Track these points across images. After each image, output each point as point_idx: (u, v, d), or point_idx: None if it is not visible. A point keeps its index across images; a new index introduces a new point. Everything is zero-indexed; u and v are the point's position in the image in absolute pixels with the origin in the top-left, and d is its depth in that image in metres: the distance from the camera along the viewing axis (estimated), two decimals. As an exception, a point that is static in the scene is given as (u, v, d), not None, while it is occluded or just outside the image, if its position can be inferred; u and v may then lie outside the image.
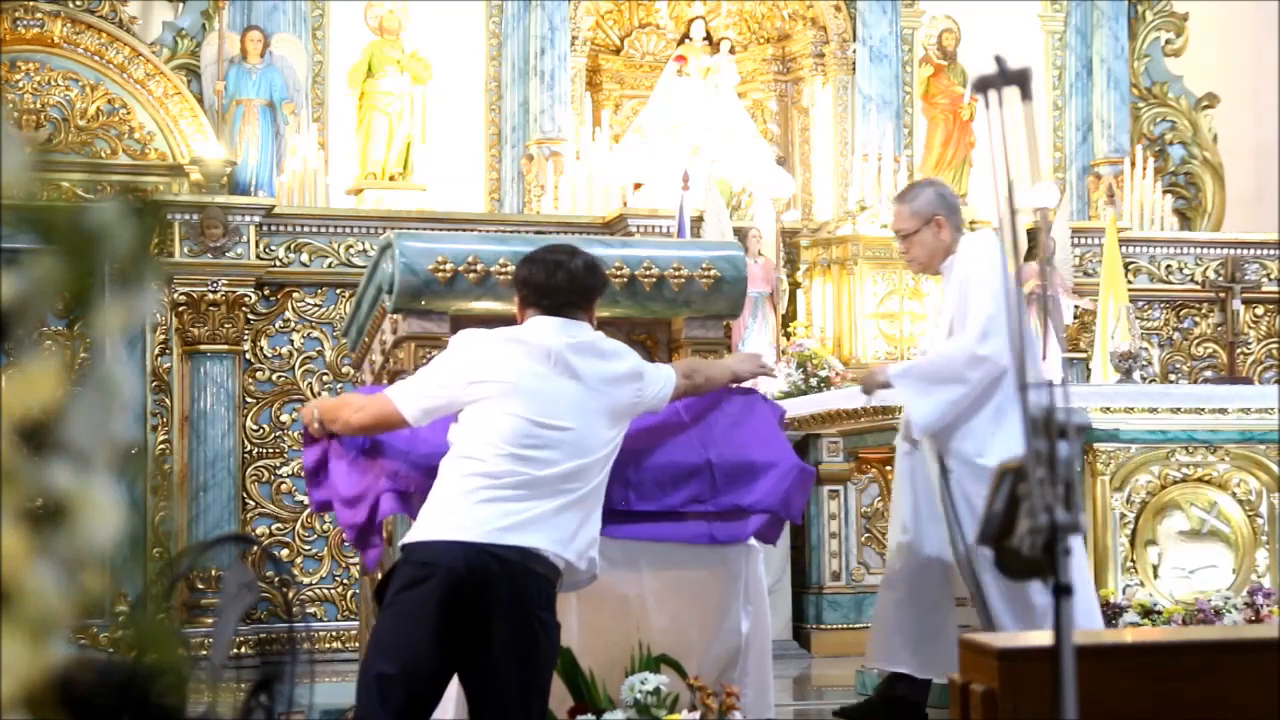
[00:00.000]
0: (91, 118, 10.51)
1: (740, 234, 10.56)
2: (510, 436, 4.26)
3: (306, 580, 10.05)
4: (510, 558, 4.10)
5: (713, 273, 5.39)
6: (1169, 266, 12.15)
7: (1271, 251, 12.21)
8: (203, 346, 9.94)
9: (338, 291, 10.22)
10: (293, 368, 10.21)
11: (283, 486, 10.15)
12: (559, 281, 4.50)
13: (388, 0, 11.40)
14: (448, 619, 4.04)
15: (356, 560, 9.04)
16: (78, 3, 10.61)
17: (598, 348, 4.52)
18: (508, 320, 5.42)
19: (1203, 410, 7.75)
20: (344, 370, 10.02)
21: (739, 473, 4.82)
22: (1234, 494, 7.83)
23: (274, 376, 10.17)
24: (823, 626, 9.93)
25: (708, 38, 12.59)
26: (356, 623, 7.23)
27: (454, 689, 4.45)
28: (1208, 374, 12.04)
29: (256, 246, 10.06)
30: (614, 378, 4.47)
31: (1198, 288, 12.14)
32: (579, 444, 4.33)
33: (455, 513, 4.16)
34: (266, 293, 10.20)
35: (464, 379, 4.35)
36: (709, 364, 5.08)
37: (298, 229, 10.27)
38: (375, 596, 4.26)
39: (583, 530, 4.30)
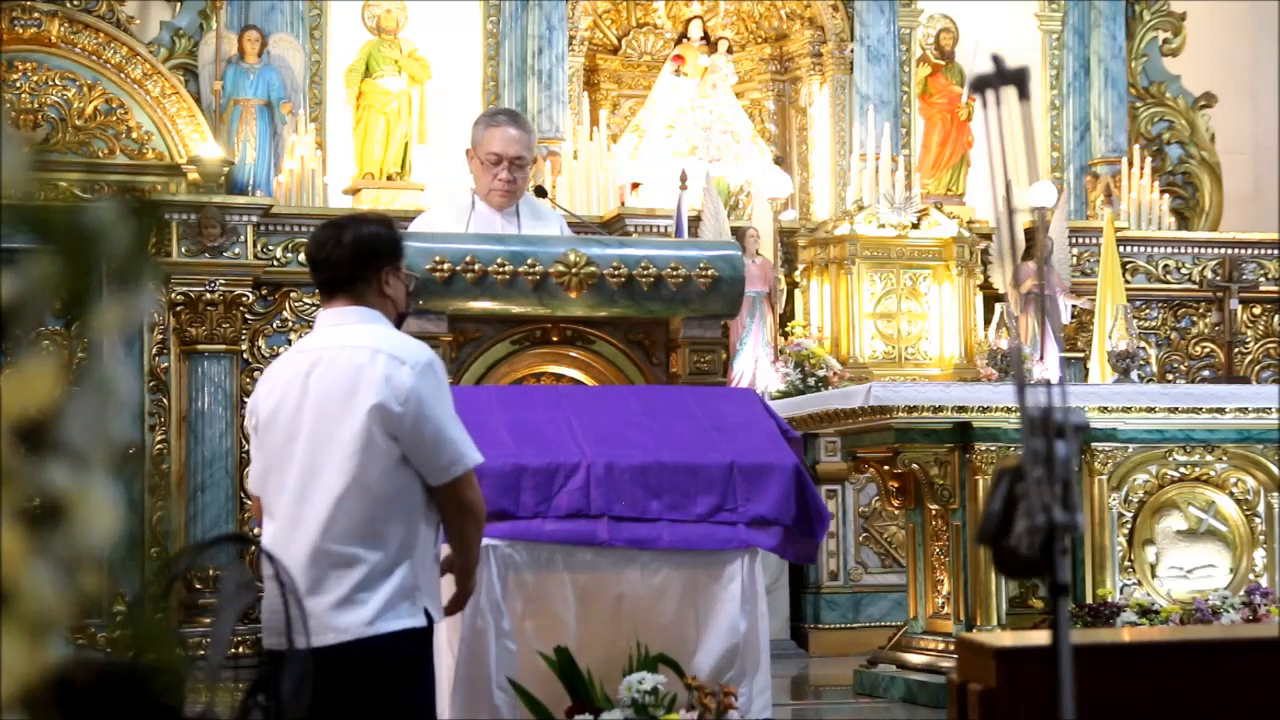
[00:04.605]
0: (89, 117, 10.51)
1: (738, 233, 10.56)
2: (263, 491, 3.76)
3: (304, 580, 10.04)
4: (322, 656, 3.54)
5: (710, 272, 5.39)
6: (1166, 266, 12.15)
7: (1269, 251, 12.21)
8: (200, 346, 9.94)
9: (335, 291, 10.21)
10: (290, 367, 10.21)
11: (280, 486, 10.14)
12: (344, 245, 3.82)
13: (385, 0, 11.40)
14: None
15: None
16: (75, 2, 10.60)
17: (344, 351, 3.71)
18: (505, 320, 5.43)
19: (1200, 410, 7.75)
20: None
21: (757, 475, 4.81)
22: (1231, 493, 7.83)
23: (272, 376, 10.16)
24: (820, 626, 9.94)
25: (705, 37, 12.59)
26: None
27: (444, 684, 4.45)
28: (1205, 373, 12.05)
29: (254, 246, 10.06)
30: (348, 394, 3.66)
31: (1195, 287, 12.15)
32: (315, 491, 3.66)
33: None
34: (264, 292, 10.20)
35: (250, 423, 3.85)
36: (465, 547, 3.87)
37: (295, 229, 10.27)
38: None
39: (368, 602, 3.61)
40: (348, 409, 3.63)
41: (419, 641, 3.72)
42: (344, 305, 3.77)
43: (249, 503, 10.07)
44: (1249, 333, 12.31)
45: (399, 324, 3.88)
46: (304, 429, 3.68)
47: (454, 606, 3.89)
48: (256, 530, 3.90)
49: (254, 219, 10.07)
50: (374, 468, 3.62)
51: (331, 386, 3.66)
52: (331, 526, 3.63)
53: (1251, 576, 7.76)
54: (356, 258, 3.78)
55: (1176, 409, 7.75)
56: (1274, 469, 7.82)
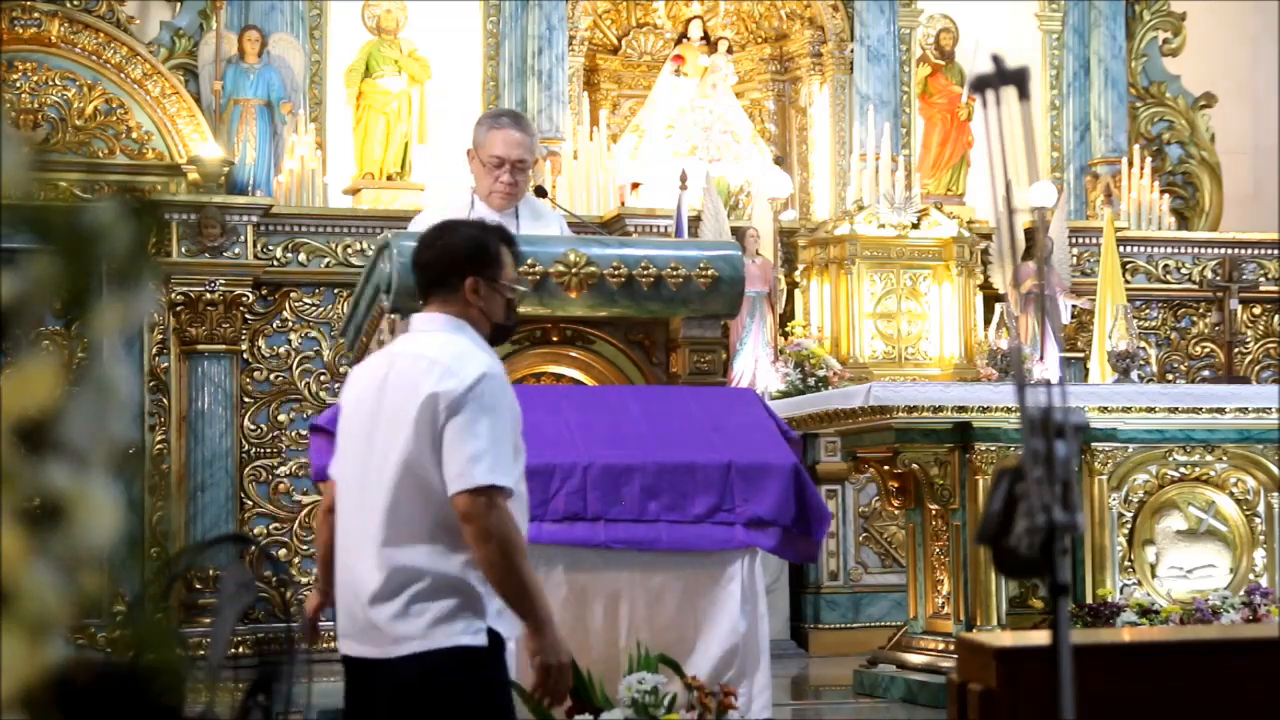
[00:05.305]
0: (89, 117, 10.50)
1: (738, 233, 10.55)
2: (337, 495, 3.76)
3: (304, 580, 10.04)
4: (381, 668, 3.58)
5: (710, 272, 5.39)
6: (1166, 266, 12.15)
7: (1269, 251, 12.21)
8: (200, 346, 9.94)
9: (335, 291, 10.21)
10: (290, 367, 10.21)
11: (280, 486, 10.14)
12: (428, 255, 3.81)
13: (385, 0, 11.39)
14: None
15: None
16: (75, 2, 10.60)
17: (410, 356, 3.67)
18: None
19: (1200, 410, 7.75)
20: (341, 370, 10.01)
21: (755, 475, 4.81)
22: (1231, 493, 7.83)
23: (272, 376, 10.17)
24: (820, 626, 9.93)
25: (705, 37, 12.59)
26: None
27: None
28: (1205, 373, 12.05)
29: (254, 246, 10.06)
30: (403, 403, 3.58)
31: (1195, 287, 12.15)
32: (377, 498, 3.59)
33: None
34: (264, 292, 10.20)
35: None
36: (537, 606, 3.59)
37: (295, 229, 10.27)
38: None
39: (424, 614, 3.53)
40: (403, 418, 3.55)
41: (474, 662, 3.53)
42: (434, 310, 3.71)
43: (249, 501, 10.11)
44: (1249, 333, 12.31)
45: (495, 336, 3.76)
46: (378, 433, 3.61)
47: (539, 688, 3.61)
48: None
49: (254, 219, 10.06)
50: (431, 476, 3.51)
51: (396, 394, 3.60)
52: (392, 535, 3.53)
53: (1251, 576, 7.76)
54: (443, 262, 3.71)
55: (1176, 409, 7.75)
56: (1274, 469, 7.82)
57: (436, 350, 3.61)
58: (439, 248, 3.74)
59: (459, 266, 3.69)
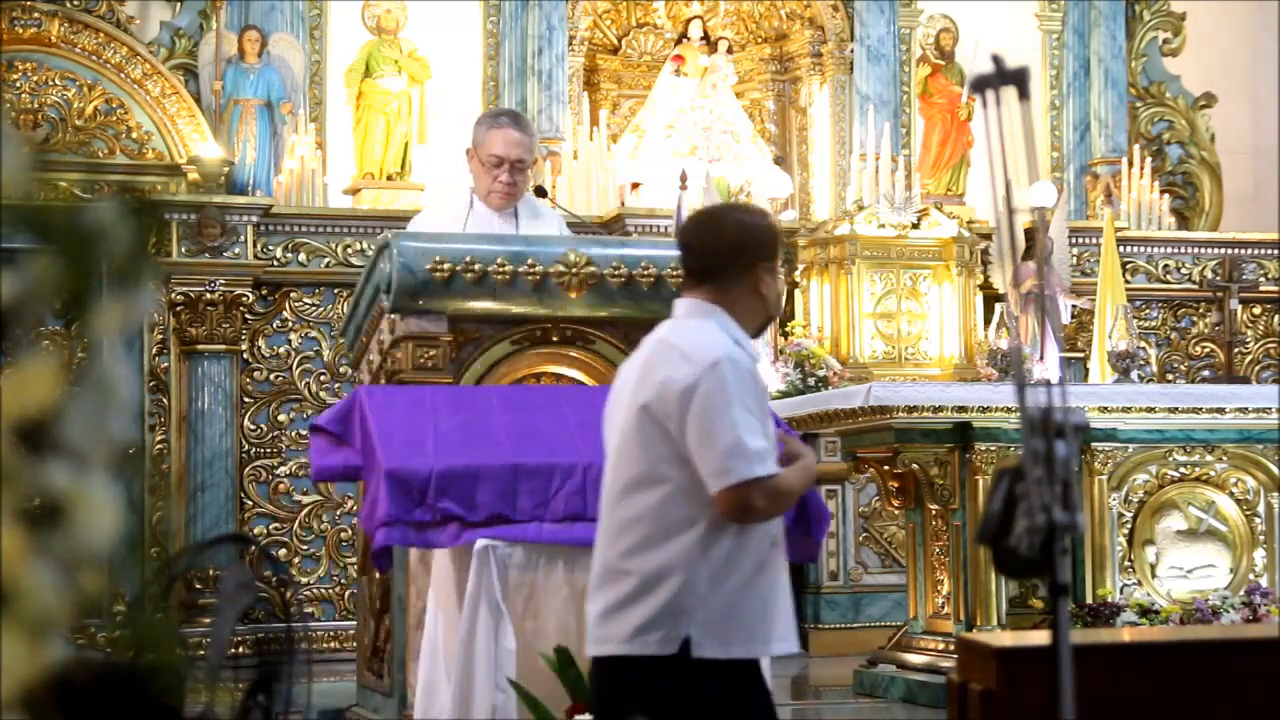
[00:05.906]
0: (89, 117, 10.50)
1: (738, 233, 10.54)
2: None
3: (304, 580, 10.05)
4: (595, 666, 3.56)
5: (710, 272, 5.38)
6: (1166, 266, 12.15)
7: (1269, 251, 12.21)
8: (200, 346, 9.94)
9: (335, 291, 10.21)
10: (290, 367, 10.21)
11: (280, 486, 10.14)
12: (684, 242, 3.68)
13: (385, 0, 11.39)
14: None
15: (354, 560, 9.05)
16: (75, 2, 10.60)
17: (658, 343, 3.52)
18: (505, 320, 5.43)
19: (1200, 410, 7.76)
20: (341, 370, 10.02)
21: None
22: (1231, 493, 7.83)
23: (272, 376, 10.17)
24: (821, 626, 9.94)
25: (705, 37, 12.59)
26: (354, 623, 7.24)
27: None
28: (1205, 373, 12.05)
29: (254, 246, 10.06)
30: (640, 390, 3.45)
31: (1195, 287, 12.15)
32: (602, 492, 3.54)
33: None
34: (264, 292, 10.20)
35: None
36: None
37: (295, 229, 10.27)
38: None
39: (623, 620, 3.40)
40: (629, 407, 3.42)
41: (661, 673, 3.36)
42: (694, 297, 3.50)
43: (249, 501, 10.10)
44: (1249, 333, 12.31)
45: (763, 326, 3.61)
46: (614, 424, 3.52)
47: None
48: None
49: (254, 219, 10.07)
50: (646, 471, 3.37)
51: (626, 383, 3.48)
52: (606, 530, 3.44)
53: (1251, 576, 7.76)
54: (735, 246, 3.50)
55: (1176, 409, 7.75)
56: (1274, 469, 7.82)
57: (679, 336, 3.45)
58: (732, 232, 3.53)
59: (748, 252, 3.49)
